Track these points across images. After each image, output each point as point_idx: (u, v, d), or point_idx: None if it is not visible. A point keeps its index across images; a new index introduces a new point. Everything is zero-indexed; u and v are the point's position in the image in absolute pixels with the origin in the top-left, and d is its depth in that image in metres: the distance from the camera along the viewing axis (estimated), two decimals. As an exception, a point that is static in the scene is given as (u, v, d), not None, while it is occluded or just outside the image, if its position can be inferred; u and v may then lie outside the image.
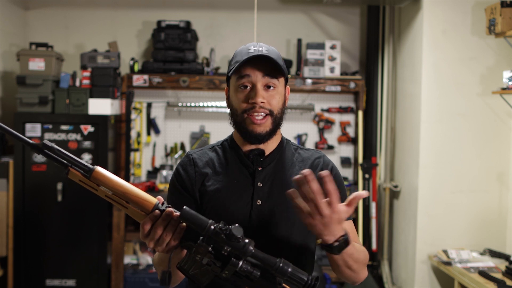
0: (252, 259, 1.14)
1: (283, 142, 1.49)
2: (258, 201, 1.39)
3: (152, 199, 1.16)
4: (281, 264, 1.12)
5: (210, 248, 1.14)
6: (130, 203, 1.16)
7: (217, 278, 1.17)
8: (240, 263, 1.13)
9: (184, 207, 1.13)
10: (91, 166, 1.14)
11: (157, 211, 1.14)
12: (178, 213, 1.14)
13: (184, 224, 1.16)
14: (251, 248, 1.12)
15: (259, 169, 1.41)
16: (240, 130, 1.40)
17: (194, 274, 1.16)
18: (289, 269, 1.12)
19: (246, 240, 1.12)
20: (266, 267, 1.13)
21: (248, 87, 1.36)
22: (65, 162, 1.15)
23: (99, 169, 1.14)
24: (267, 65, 1.36)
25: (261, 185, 1.40)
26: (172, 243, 1.16)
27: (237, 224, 1.12)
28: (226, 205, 1.38)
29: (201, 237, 1.14)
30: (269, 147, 1.44)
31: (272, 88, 1.36)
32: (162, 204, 1.17)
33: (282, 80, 1.40)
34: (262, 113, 1.35)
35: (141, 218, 1.17)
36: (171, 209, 1.15)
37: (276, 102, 1.37)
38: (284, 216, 1.38)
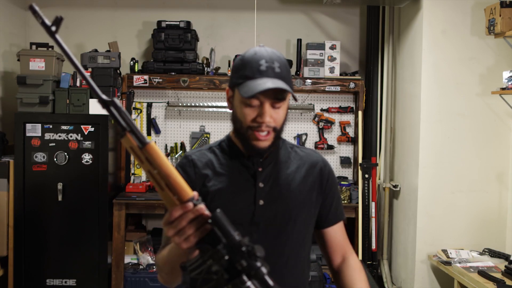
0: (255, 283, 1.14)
1: (281, 142, 1.50)
2: (261, 201, 1.39)
3: (190, 191, 1.16)
4: None
5: (226, 257, 1.14)
6: (168, 187, 1.16)
7: None
8: (249, 283, 1.14)
9: (218, 210, 1.13)
10: (147, 140, 1.14)
11: (190, 204, 1.14)
12: (208, 213, 1.14)
13: (209, 226, 1.16)
14: (265, 272, 1.12)
15: (259, 169, 1.42)
16: (242, 142, 1.39)
17: (195, 278, 1.17)
18: None
19: (263, 263, 1.12)
20: None
21: (256, 104, 1.34)
22: (125, 126, 1.14)
23: (153, 144, 1.15)
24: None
25: (262, 185, 1.41)
26: (192, 240, 1.16)
27: (259, 245, 1.12)
28: (229, 206, 1.38)
29: (222, 244, 1.12)
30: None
31: (279, 107, 1.35)
32: (197, 200, 1.17)
33: (288, 95, 1.38)
34: (267, 131, 1.35)
35: (171, 204, 1.16)
36: (203, 206, 1.15)
37: (280, 118, 1.37)
38: (286, 215, 1.40)
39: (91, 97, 3.71)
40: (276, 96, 1.33)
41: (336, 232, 1.53)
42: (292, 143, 1.55)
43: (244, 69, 1.34)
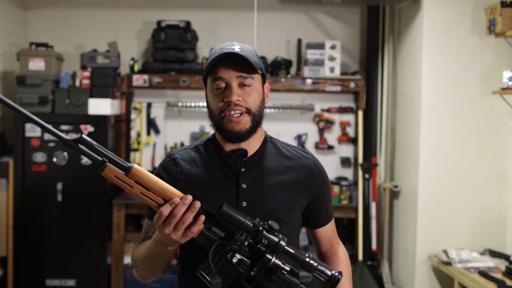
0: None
1: (267, 140, 1.47)
2: (244, 202, 1.37)
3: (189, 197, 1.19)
4: (309, 260, 1.20)
5: (246, 243, 1.18)
6: (166, 201, 1.18)
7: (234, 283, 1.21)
8: (273, 258, 1.17)
9: (224, 203, 1.18)
10: (129, 164, 1.16)
11: (177, 198, 1.16)
12: (198, 202, 1.17)
13: (203, 217, 1.18)
14: (284, 244, 1.19)
15: (243, 170, 1.39)
16: (219, 131, 1.39)
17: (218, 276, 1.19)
18: (317, 265, 1.21)
19: (280, 236, 1.20)
20: (296, 262, 1.22)
21: (223, 87, 1.35)
22: (101, 158, 1.15)
23: (137, 166, 1.16)
24: (239, 63, 1.34)
25: (245, 186, 1.38)
26: (193, 231, 1.18)
27: (272, 221, 1.20)
28: (211, 207, 1.37)
29: (239, 233, 1.18)
30: (252, 146, 1.41)
31: (247, 85, 1.35)
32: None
33: (258, 77, 1.38)
34: (239, 111, 1.34)
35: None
36: (190, 196, 1.17)
37: (252, 99, 1.35)
38: (271, 217, 1.35)
39: (91, 97, 3.71)
40: (240, 73, 1.34)
41: (326, 231, 1.53)
42: (283, 142, 1.52)
43: (209, 58, 1.39)
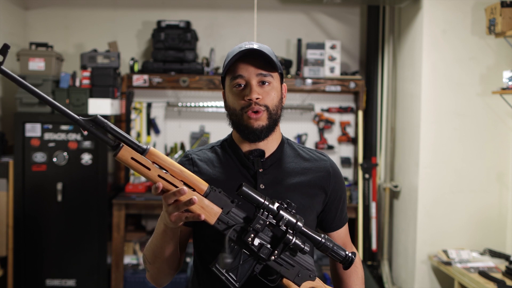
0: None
1: (284, 142, 1.47)
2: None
3: (204, 182, 1.20)
4: (324, 241, 1.24)
5: (267, 222, 1.19)
6: (184, 183, 1.17)
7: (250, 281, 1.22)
8: (294, 238, 1.20)
9: (243, 183, 1.20)
10: (144, 146, 1.14)
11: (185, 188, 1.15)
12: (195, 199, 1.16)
13: (203, 217, 1.17)
14: (301, 225, 1.22)
15: (260, 170, 1.39)
16: (239, 128, 1.38)
17: (230, 273, 1.20)
18: (332, 245, 1.25)
19: (298, 216, 1.22)
20: (312, 243, 1.25)
21: (243, 86, 1.36)
22: (116, 140, 1.14)
23: (153, 148, 1.15)
24: (259, 60, 1.35)
25: (263, 187, 1.38)
26: (184, 218, 1.18)
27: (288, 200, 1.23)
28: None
29: (259, 214, 1.19)
30: (269, 147, 1.41)
31: (267, 84, 1.35)
32: (213, 189, 1.21)
33: (276, 75, 1.39)
34: (258, 110, 1.34)
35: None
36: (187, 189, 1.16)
37: (271, 98, 1.36)
38: None
39: (91, 97, 3.71)
40: (260, 70, 1.34)
41: (339, 235, 1.52)
42: (298, 144, 1.52)
43: (228, 57, 1.39)
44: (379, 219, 4.18)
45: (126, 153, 1.12)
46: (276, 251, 1.20)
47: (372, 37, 4.23)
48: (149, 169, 1.13)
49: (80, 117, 1.13)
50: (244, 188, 1.18)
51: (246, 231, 1.19)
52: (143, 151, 1.13)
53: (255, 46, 1.35)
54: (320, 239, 1.24)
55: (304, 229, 1.22)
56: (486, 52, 3.53)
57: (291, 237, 1.19)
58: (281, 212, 1.19)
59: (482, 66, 3.53)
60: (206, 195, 1.19)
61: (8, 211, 3.60)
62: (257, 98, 1.33)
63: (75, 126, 3.67)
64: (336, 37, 4.39)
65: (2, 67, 1.07)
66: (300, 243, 1.21)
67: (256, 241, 1.18)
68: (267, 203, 1.19)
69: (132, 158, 1.12)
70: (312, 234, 1.23)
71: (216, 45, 4.33)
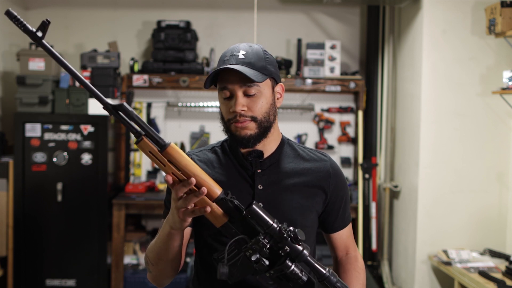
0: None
1: (284, 142, 1.46)
2: (260, 204, 1.38)
3: (219, 187, 1.18)
4: (329, 275, 1.19)
5: (267, 246, 1.16)
6: (196, 186, 1.17)
7: (248, 278, 1.21)
8: (293, 266, 1.16)
9: (254, 201, 1.17)
10: (166, 141, 1.14)
11: (193, 179, 1.14)
12: (204, 190, 1.15)
13: (209, 209, 1.17)
14: (307, 254, 1.18)
15: (259, 171, 1.39)
16: (229, 136, 1.41)
17: (232, 269, 1.18)
18: (335, 281, 1.19)
19: (304, 245, 1.18)
20: (315, 275, 1.20)
21: (228, 95, 1.35)
22: (139, 130, 1.14)
23: (174, 145, 1.15)
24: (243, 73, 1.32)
25: (261, 187, 1.38)
26: (191, 214, 1.17)
27: (299, 229, 1.18)
28: None
29: (262, 234, 1.17)
30: (267, 148, 1.41)
31: (253, 94, 1.34)
32: (227, 194, 1.20)
33: (266, 82, 1.36)
34: (243, 121, 1.34)
35: (204, 203, 1.18)
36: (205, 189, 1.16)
37: (258, 107, 1.34)
38: (287, 219, 1.35)
39: (91, 97, 3.71)
40: (244, 82, 1.33)
41: (342, 236, 1.51)
42: (301, 144, 1.51)
43: (217, 63, 1.39)
44: (379, 219, 4.18)
45: (144, 146, 1.14)
46: (272, 272, 1.18)
47: (372, 37, 4.23)
48: (164, 165, 1.14)
49: (109, 102, 1.15)
50: (253, 207, 1.16)
51: (246, 246, 1.18)
52: (161, 147, 1.13)
53: (241, 55, 1.33)
54: (324, 272, 1.19)
55: (309, 259, 1.18)
56: (486, 52, 3.53)
57: (290, 264, 1.17)
58: (284, 241, 1.16)
59: (482, 66, 3.53)
60: (217, 201, 1.18)
61: (8, 211, 3.60)
62: (242, 110, 1.33)
63: (75, 126, 3.67)
64: (336, 37, 4.39)
65: (44, 41, 1.10)
66: (298, 272, 1.17)
67: (254, 257, 1.18)
68: (274, 227, 1.16)
69: (150, 152, 1.14)
70: (316, 265, 1.19)
71: (216, 45, 4.33)
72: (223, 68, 1.32)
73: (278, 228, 1.16)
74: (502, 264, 3.17)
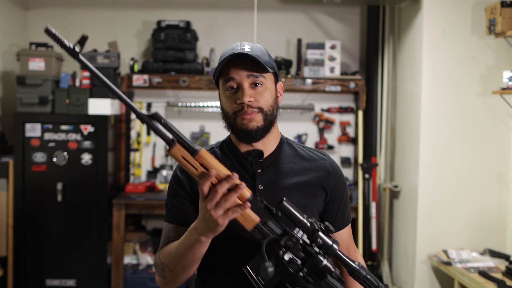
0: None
1: (283, 141, 1.46)
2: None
3: (247, 189, 1.17)
4: (359, 268, 1.20)
5: (300, 241, 1.17)
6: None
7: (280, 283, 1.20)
8: (325, 261, 1.17)
9: (284, 198, 1.18)
10: (197, 146, 1.16)
11: (214, 171, 1.13)
12: (240, 182, 1.13)
13: (249, 204, 1.15)
14: (337, 247, 1.19)
15: (259, 171, 1.38)
16: (234, 131, 1.38)
17: (259, 276, 1.19)
18: (365, 274, 1.20)
19: (334, 239, 1.20)
20: (346, 268, 1.22)
21: (235, 88, 1.35)
22: (172, 137, 1.17)
23: (205, 150, 1.16)
24: (250, 63, 1.33)
25: (261, 187, 1.37)
26: (231, 212, 1.14)
27: (328, 223, 1.20)
28: None
29: (295, 230, 1.17)
30: (267, 147, 1.41)
31: (259, 85, 1.34)
32: (256, 198, 1.19)
33: (269, 75, 1.37)
34: (251, 112, 1.33)
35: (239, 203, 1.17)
36: (237, 176, 1.14)
37: (265, 99, 1.35)
38: None
39: (91, 97, 3.71)
40: (251, 72, 1.33)
41: (342, 236, 1.50)
42: (300, 144, 1.51)
43: (220, 59, 1.38)
44: (379, 219, 4.18)
45: (177, 151, 1.16)
46: (305, 269, 1.18)
47: (372, 37, 4.23)
48: (196, 169, 1.15)
49: (142, 112, 1.16)
50: (284, 203, 1.17)
51: (279, 245, 1.17)
52: (193, 152, 1.15)
53: (246, 48, 1.34)
54: (354, 265, 1.20)
55: (339, 253, 1.19)
56: (486, 52, 3.53)
57: (322, 259, 1.17)
58: (316, 233, 1.17)
59: (482, 66, 3.53)
60: (248, 201, 1.17)
61: (8, 211, 3.60)
62: (249, 101, 1.32)
63: (75, 126, 3.67)
64: (336, 37, 4.39)
65: (80, 56, 1.15)
66: (330, 267, 1.18)
67: (287, 256, 1.18)
68: (305, 221, 1.17)
69: (183, 157, 1.15)
70: (346, 259, 1.21)
71: (216, 45, 4.33)
72: (236, 54, 1.32)
73: (309, 222, 1.17)
74: (502, 264, 3.17)
